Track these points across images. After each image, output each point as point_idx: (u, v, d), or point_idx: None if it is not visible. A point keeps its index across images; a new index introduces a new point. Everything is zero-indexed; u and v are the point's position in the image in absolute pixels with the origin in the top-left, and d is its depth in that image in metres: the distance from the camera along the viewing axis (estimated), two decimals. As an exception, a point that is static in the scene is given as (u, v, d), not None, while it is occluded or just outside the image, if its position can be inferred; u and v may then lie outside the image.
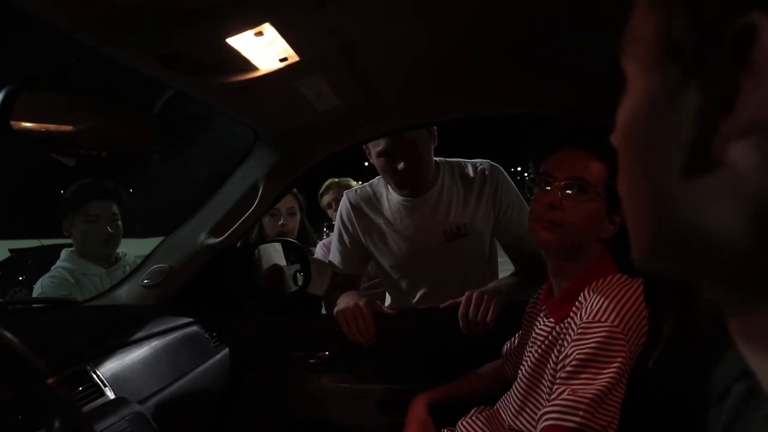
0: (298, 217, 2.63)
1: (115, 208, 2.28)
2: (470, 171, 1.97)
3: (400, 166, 1.80)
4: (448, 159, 2.02)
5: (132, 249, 2.53)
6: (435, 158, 1.95)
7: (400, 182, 1.88)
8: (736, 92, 0.27)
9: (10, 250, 13.04)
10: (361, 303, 1.69)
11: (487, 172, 1.95)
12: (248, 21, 0.92)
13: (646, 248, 0.37)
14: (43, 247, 12.60)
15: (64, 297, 2.01)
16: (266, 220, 2.49)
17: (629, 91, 0.35)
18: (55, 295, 2.07)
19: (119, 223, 2.30)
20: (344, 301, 1.75)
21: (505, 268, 1.95)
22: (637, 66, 0.35)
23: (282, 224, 2.51)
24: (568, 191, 1.15)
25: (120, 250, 2.36)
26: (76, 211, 2.22)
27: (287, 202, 2.52)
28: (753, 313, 0.33)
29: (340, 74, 1.26)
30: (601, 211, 1.14)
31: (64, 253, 2.27)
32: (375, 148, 1.83)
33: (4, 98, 0.91)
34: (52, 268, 2.24)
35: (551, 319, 1.19)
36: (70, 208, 2.23)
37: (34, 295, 2.14)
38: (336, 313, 1.72)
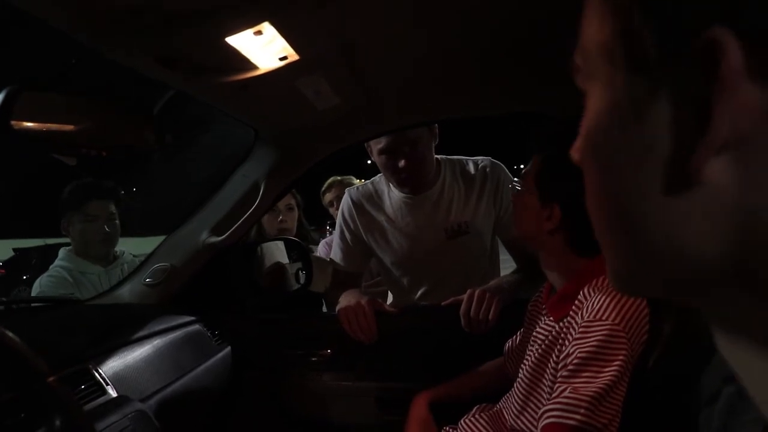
0: (296, 213, 2.63)
1: (112, 208, 2.30)
2: (471, 168, 1.97)
3: (401, 163, 1.80)
4: (449, 157, 2.02)
5: (131, 248, 2.54)
6: (436, 156, 1.96)
7: (401, 180, 1.88)
8: (708, 108, 0.26)
9: (14, 249, 13.10)
10: (363, 301, 1.69)
11: (488, 170, 1.95)
12: (247, 20, 0.92)
13: (622, 271, 0.36)
14: (46, 246, 12.67)
15: (67, 296, 2.02)
16: (265, 217, 2.49)
17: (589, 105, 0.34)
18: (54, 294, 2.08)
19: (117, 222, 2.31)
20: (346, 299, 1.75)
21: (507, 266, 1.95)
22: (593, 79, 0.34)
23: (281, 220, 2.51)
24: (515, 189, 1.26)
25: (118, 248, 2.37)
26: (75, 211, 2.23)
27: (285, 199, 2.52)
28: (735, 322, 0.32)
29: (340, 73, 1.26)
30: (532, 201, 1.19)
31: (62, 252, 2.28)
32: (376, 145, 1.83)
33: (5, 98, 0.92)
34: (51, 267, 2.25)
35: (551, 318, 1.20)
36: (68, 208, 2.24)
37: (33, 294, 2.15)
38: (338, 311, 1.72)
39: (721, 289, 0.31)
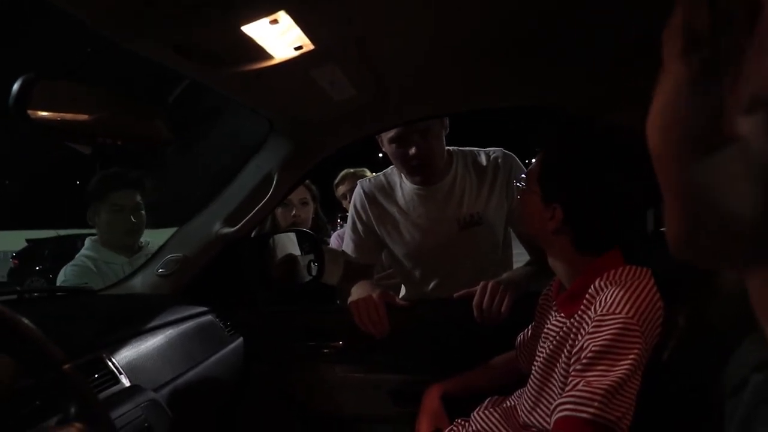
0: (311, 207, 2.63)
1: (138, 198, 2.30)
2: (483, 159, 1.97)
3: (412, 151, 1.80)
4: (461, 148, 2.02)
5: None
6: (448, 147, 1.95)
7: (411, 168, 1.87)
8: (742, 68, 0.28)
9: (27, 240, 13.25)
10: (374, 294, 1.68)
11: (500, 161, 1.94)
12: (264, 9, 0.92)
13: (680, 234, 0.37)
14: (59, 237, 12.80)
15: (81, 286, 2.03)
16: (279, 211, 2.48)
17: (661, 80, 0.36)
18: (78, 282, 2.09)
19: (143, 212, 2.31)
20: (357, 292, 1.75)
21: (521, 259, 1.94)
22: (669, 55, 0.35)
23: (294, 215, 2.51)
24: (519, 188, 1.30)
25: (143, 239, 2.37)
26: (101, 201, 2.23)
27: (299, 193, 2.52)
28: None
29: (356, 64, 1.25)
30: (535, 202, 1.19)
31: (87, 241, 2.29)
32: (386, 135, 1.83)
33: (21, 87, 0.92)
34: (76, 256, 2.26)
35: (562, 314, 1.19)
36: (94, 198, 2.25)
37: (58, 282, 2.16)
38: (349, 303, 1.72)
39: (760, 252, 0.31)
